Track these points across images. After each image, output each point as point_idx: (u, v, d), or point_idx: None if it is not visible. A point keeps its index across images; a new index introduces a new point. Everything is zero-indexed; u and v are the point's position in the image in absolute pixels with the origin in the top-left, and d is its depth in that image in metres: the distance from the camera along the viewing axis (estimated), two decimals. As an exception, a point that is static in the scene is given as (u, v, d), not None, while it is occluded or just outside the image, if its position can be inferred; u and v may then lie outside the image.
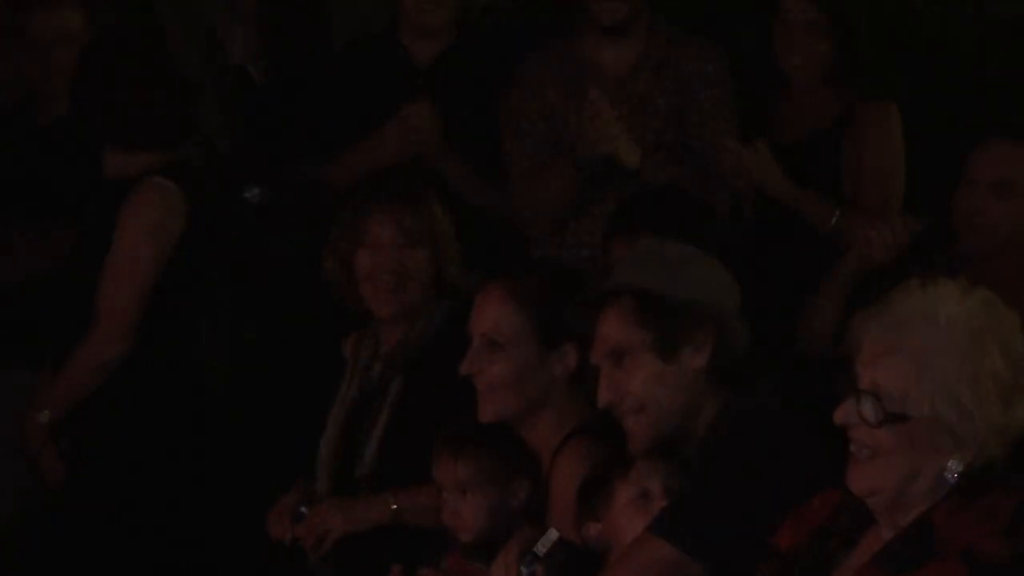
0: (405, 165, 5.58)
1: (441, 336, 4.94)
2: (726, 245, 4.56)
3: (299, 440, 5.36)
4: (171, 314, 5.50)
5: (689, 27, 5.92)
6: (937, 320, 3.27)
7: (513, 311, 4.42)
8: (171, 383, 5.55)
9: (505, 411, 4.42)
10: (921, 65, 6.60)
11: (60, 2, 5.94)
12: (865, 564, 3.28)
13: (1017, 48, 6.86)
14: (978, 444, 3.24)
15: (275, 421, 6.09)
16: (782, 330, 5.17)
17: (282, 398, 6.06)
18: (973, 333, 3.27)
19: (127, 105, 5.45)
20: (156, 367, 5.49)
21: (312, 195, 6.06)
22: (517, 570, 4.15)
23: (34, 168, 5.90)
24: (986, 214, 5.11)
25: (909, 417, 3.22)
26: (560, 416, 4.41)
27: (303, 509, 4.98)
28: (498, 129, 5.88)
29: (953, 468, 3.23)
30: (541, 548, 4.11)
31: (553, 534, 4.13)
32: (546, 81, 5.81)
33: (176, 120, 5.58)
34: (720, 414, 3.99)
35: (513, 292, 4.46)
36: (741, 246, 5.25)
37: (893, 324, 3.32)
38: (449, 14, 5.93)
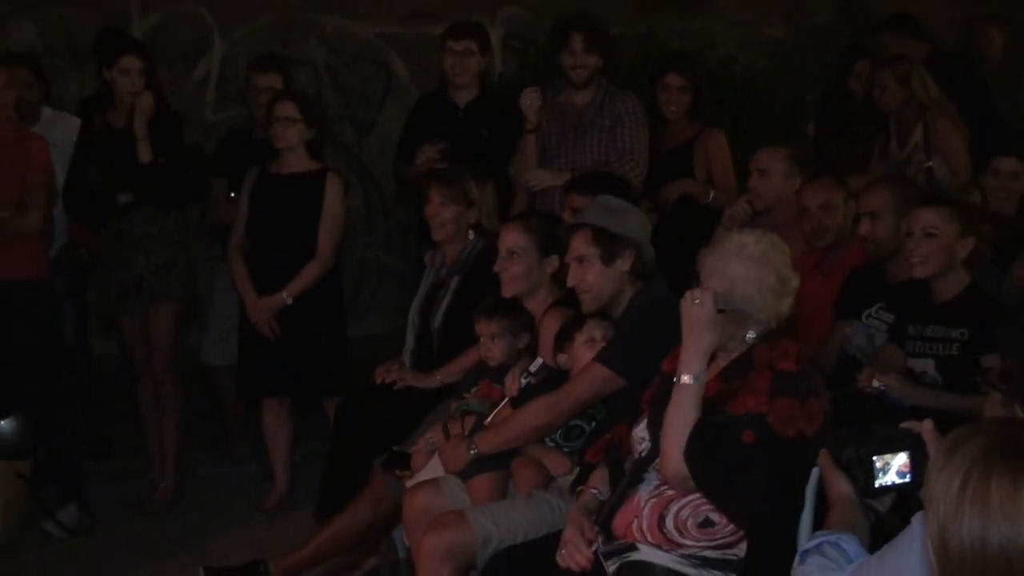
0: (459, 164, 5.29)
1: (479, 257, 4.83)
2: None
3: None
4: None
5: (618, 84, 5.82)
6: (743, 255, 3.26)
7: (524, 234, 4.38)
8: (336, 284, 5.51)
9: (518, 291, 4.37)
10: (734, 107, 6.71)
11: (270, 70, 5.82)
12: (710, 380, 3.26)
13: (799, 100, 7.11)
14: (766, 321, 3.27)
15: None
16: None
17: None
18: (764, 264, 3.25)
19: (318, 127, 5.43)
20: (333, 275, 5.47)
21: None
22: (519, 381, 4.15)
23: (246, 164, 5.63)
24: (756, 189, 5.10)
25: (727, 309, 3.22)
26: (547, 295, 4.39)
27: (395, 366, 4.89)
28: (508, 144, 5.69)
29: (751, 334, 3.26)
30: (532, 368, 4.14)
31: (539, 360, 4.15)
32: (543, 114, 5.60)
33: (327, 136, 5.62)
34: (635, 295, 3.94)
35: (524, 224, 4.44)
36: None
37: (719, 256, 3.30)
38: (472, 78, 5.72)
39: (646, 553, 3.20)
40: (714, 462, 3.10)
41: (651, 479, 3.27)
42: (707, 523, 3.17)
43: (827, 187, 4.84)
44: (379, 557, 4.76)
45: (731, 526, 3.15)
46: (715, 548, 3.17)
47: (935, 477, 1.84)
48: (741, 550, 3.14)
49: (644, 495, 3.25)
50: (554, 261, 4.36)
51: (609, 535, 3.30)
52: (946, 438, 1.89)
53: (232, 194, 5.77)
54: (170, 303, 5.62)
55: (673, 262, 4.07)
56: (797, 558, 2.51)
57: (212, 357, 6.10)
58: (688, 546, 3.17)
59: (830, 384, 4.10)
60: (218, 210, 5.94)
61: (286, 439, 5.60)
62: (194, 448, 5.98)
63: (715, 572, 3.16)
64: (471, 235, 4.96)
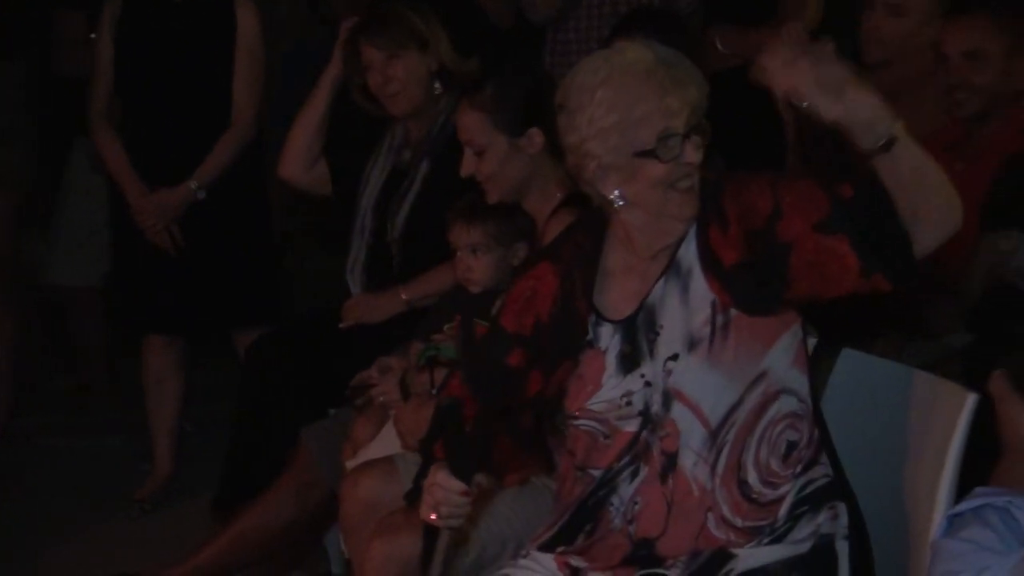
0: None
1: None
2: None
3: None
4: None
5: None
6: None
7: (476, 118, 4.30)
8: (256, 165, 5.54)
9: (502, 194, 4.30)
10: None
11: None
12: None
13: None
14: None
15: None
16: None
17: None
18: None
19: None
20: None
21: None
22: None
23: None
24: (878, 31, 5.12)
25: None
26: (546, 187, 4.27)
27: None
28: None
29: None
30: (533, 296, 4.14)
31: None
32: None
33: None
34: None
35: (472, 103, 4.32)
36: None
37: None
38: None
39: (751, 556, 3.19)
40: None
41: (688, 449, 3.22)
42: (790, 448, 3.25)
43: (978, 27, 4.81)
44: (304, 573, 4.85)
45: (808, 437, 3.25)
46: (808, 479, 3.25)
47: None
48: (825, 463, 3.26)
49: (697, 474, 3.21)
50: (535, 136, 4.30)
51: (651, 561, 3.23)
52: None
53: (93, 35, 5.75)
54: (3, 192, 5.69)
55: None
56: (942, 523, 2.55)
57: (62, 274, 6.18)
58: (785, 497, 3.23)
59: (978, 323, 4.28)
60: (72, 57, 5.96)
61: (174, 396, 5.66)
62: (30, 410, 6.08)
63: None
64: (437, 87, 4.95)
